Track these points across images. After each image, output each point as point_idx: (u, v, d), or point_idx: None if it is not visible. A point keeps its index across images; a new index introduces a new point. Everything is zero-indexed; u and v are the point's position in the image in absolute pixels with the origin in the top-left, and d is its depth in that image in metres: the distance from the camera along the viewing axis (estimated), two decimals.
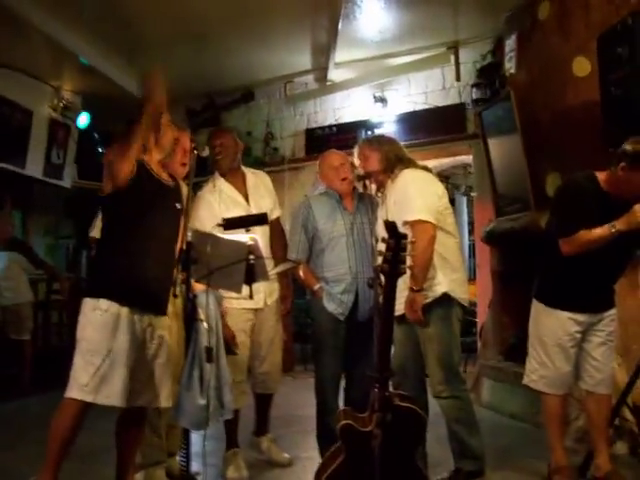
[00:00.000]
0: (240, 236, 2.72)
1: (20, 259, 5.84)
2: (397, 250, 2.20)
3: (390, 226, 2.22)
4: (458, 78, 6.04)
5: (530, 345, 3.06)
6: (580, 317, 2.89)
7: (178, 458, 2.86)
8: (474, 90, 5.79)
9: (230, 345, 2.99)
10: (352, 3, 4.93)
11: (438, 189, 3.06)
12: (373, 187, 3.25)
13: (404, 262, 2.22)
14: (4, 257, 5.79)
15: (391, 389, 2.41)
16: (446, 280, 2.93)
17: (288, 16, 5.21)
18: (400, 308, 2.80)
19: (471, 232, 9.80)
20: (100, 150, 6.92)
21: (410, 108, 6.38)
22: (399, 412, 2.33)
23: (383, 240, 2.24)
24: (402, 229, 2.38)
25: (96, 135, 7.04)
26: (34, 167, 6.42)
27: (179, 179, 2.83)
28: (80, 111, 6.72)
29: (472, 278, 6.95)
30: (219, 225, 2.70)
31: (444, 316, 2.93)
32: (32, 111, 6.30)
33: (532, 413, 4.08)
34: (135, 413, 2.59)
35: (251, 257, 2.60)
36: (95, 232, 3.77)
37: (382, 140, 3.25)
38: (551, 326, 2.93)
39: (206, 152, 2.76)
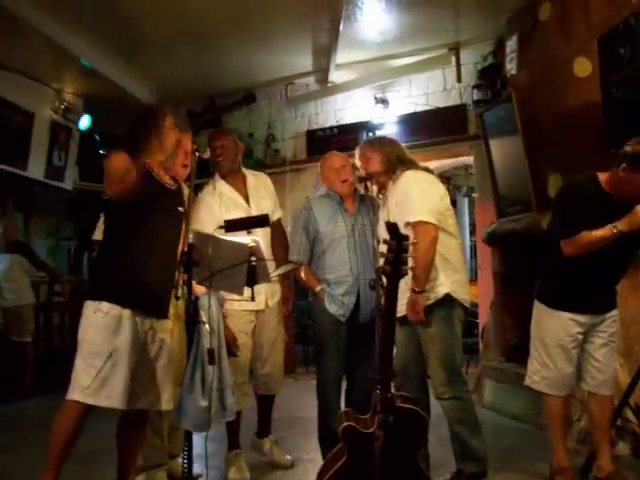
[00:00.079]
0: (242, 238, 2.72)
1: (22, 261, 5.85)
2: (399, 251, 2.20)
3: (392, 227, 2.22)
4: (459, 79, 6.04)
5: (532, 346, 3.05)
6: (582, 318, 2.89)
7: (180, 460, 2.86)
8: (475, 91, 5.79)
9: (231, 347, 2.99)
10: (353, 5, 4.93)
11: (440, 190, 3.06)
12: (374, 188, 3.26)
13: (406, 263, 2.23)
14: (6, 259, 5.80)
15: (393, 390, 2.41)
16: (448, 281, 2.93)
17: (289, 18, 5.21)
18: (402, 309, 2.80)
19: (472, 233, 9.83)
20: (101, 152, 6.93)
21: (411, 109, 6.38)
22: (401, 413, 2.33)
23: (385, 241, 2.24)
24: (404, 230, 2.38)
25: (97, 137, 7.05)
26: (36, 169, 6.43)
27: (181, 181, 2.83)
28: (81, 113, 6.74)
29: (473, 279, 6.94)
30: (220, 227, 2.70)
31: (446, 317, 2.93)
32: (34, 113, 6.31)
33: (534, 414, 4.08)
34: (136, 416, 2.59)
35: (253, 259, 2.59)
36: (98, 234, 3.77)
37: (383, 141, 3.25)
38: (553, 327, 2.92)
39: (207, 154, 2.77)
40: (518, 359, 4.35)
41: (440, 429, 3.09)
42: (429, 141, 6.15)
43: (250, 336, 3.35)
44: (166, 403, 2.59)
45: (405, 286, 2.73)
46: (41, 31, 5.06)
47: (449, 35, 5.74)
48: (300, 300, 4.59)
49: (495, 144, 5.26)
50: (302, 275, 3.36)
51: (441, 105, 6.22)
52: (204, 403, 2.48)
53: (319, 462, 2.91)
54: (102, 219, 3.12)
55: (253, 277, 2.63)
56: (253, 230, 3.07)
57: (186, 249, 2.53)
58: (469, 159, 6.75)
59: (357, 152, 3.24)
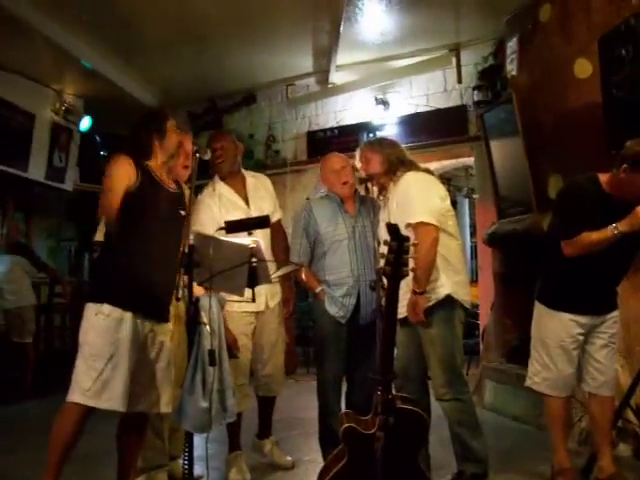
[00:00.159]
0: (242, 239, 2.72)
1: (23, 262, 5.86)
2: (399, 252, 2.20)
3: (392, 229, 2.23)
4: (460, 80, 6.04)
5: (532, 347, 3.05)
6: (582, 319, 2.88)
7: (181, 461, 2.86)
8: (476, 92, 5.79)
9: (232, 349, 2.99)
10: (354, 6, 4.93)
11: (440, 191, 3.06)
12: (375, 190, 3.25)
13: (406, 264, 2.23)
14: (7, 260, 5.81)
15: (394, 392, 2.41)
16: (449, 282, 2.93)
17: (290, 19, 5.21)
18: (402, 311, 2.80)
19: (473, 234, 9.84)
20: (102, 153, 6.95)
21: (412, 110, 6.38)
22: (402, 415, 2.33)
23: (385, 243, 2.24)
24: (404, 231, 2.38)
25: (98, 138, 7.06)
26: (36, 170, 6.44)
27: (182, 183, 2.83)
28: (82, 114, 6.75)
29: (474, 280, 6.94)
30: (221, 228, 2.70)
31: (447, 318, 2.93)
32: (34, 114, 6.32)
33: (535, 415, 4.08)
34: (136, 418, 2.59)
35: (253, 260, 2.59)
36: (99, 235, 3.77)
37: (384, 142, 3.25)
38: (553, 328, 2.92)
39: (208, 155, 2.76)
40: (519, 360, 4.35)
41: (441, 430, 3.09)
42: (430, 142, 6.15)
43: (250, 337, 3.34)
44: (165, 406, 2.59)
45: (406, 287, 2.73)
46: (41, 32, 5.07)
47: (449, 36, 5.74)
48: (301, 301, 4.58)
49: (496, 145, 5.26)
50: (303, 276, 3.36)
51: (442, 106, 6.23)
52: (205, 404, 2.48)
53: (320, 463, 2.92)
54: (103, 220, 3.12)
55: (254, 278, 2.63)
56: (253, 231, 3.07)
57: (187, 250, 2.53)
58: (470, 160, 6.75)
59: (357, 153, 3.24)
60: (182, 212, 2.65)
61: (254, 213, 3.32)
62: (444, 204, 3.02)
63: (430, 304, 2.88)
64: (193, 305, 2.52)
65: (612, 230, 2.64)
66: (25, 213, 7.53)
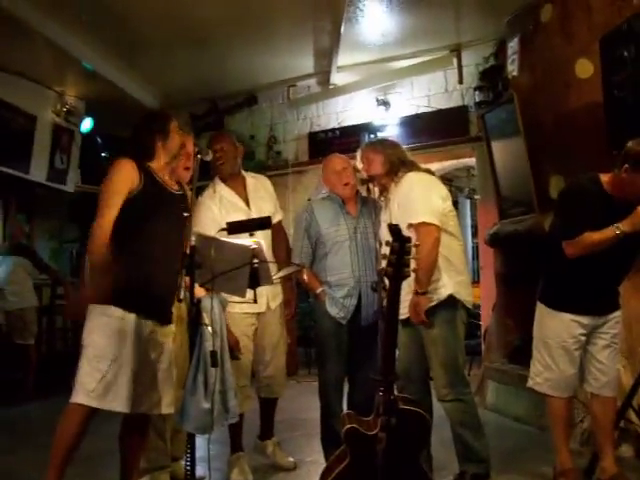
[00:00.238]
0: (244, 240, 2.72)
1: (25, 263, 5.86)
2: (401, 253, 2.20)
3: (394, 229, 2.23)
4: (461, 81, 6.04)
5: (534, 348, 3.05)
6: (584, 319, 2.88)
7: (183, 462, 2.86)
8: (477, 93, 5.79)
9: (234, 350, 2.99)
10: (355, 7, 4.93)
11: (441, 192, 3.06)
12: (376, 190, 3.26)
13: (408, 265, 2.23)
14: (9, 261, 5.81)
15: (395, 392, 2.41)
16: (451, 282, 2.93)
17: (291, 20, 5.22)
18: (404, 312, 2.80)
19: (474, 235, 9.84)
20: (103, 154, 6.95)
21: (413, 111, 6.38)
22: (404, 415, 2.33)
23: (387, 243, 2.24)
24: (406, 232, 2.38)
25: (99, 139, 7.06)
26: (38, 172, 6.44)
27: (184, 184, 2.84)
28: (83, 116, 6.76)
29: (476, 281, 6.94)
30: (223, 229, 2.70)
31: (449, 319, 2.93)
32: (36, 116, 6.33)
33: (537, 416, 4.07)
34: (139, 419, 2.59)
35: (255, 261, 2.59)
36: None
37: (385, 143, 3.26)
38: (555, 329, 2.92)
39: (210, 156, 2.76)
40: (521, 361, 4.34)
41: (443, 431, 3.09)
42: (431, 143, 6.15)
43: (251, 339, 3.34)
44: (166, 407, 2.59)
45: (407, 288, 2.73)
46: (42, 33, 5.07)
47: (450, 37, 5.74)
48: (302, 302, 4.58)
49: (497, 145, 5.26)
50: (304, 277, 3.36)
51: (443, 107, 6.22)
52: (207, 405, 2.48)
53: (322, 464, 2.92)
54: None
55: (256, 279, 2.62)
56: (254, 232, 3.07)
57: (188, 251, 2.53)
58: (471, 161, 6.75)
59: (359, 154, 3.24)
60: (184, 213, 2.66)
61: (255, 214, 3.32)
62: (445, 204, 3.02)
63: (432, 304, 2.88)
64: (195, 306, 2.52)
65: (614, 230, 2.64)
66: (27, 215, 7.53)
